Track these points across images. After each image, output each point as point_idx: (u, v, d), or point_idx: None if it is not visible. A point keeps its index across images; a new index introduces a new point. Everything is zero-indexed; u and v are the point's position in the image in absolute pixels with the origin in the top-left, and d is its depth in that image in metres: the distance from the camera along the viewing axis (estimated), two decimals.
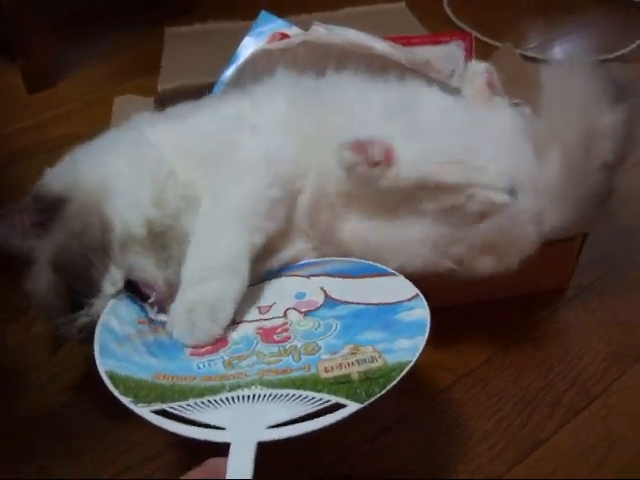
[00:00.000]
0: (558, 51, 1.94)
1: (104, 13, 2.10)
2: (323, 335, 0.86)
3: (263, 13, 1.41)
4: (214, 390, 0.76)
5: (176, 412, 0.72)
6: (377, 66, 1.22)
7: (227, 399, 0.75)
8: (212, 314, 0.87)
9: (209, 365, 0.83)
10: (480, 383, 1.04)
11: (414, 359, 0.75)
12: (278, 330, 0.89)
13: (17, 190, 0.96)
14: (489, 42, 1.86)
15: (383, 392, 0.71)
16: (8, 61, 1.85)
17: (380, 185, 0.93)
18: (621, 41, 1.85)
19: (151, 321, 0.91)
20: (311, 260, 1.03)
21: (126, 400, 0.74)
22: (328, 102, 1.06)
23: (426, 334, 0.80)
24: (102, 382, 1.02)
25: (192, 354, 0.86)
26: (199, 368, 0.83)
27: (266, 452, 0.66)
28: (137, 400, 0.74)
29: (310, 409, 0.71)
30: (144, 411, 0.72)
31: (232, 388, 0.76)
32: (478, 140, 0.98)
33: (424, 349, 0.77)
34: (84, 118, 1.63)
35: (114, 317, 0.88)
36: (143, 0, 2.16)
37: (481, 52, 1.47)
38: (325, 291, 0.95)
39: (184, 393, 0.76)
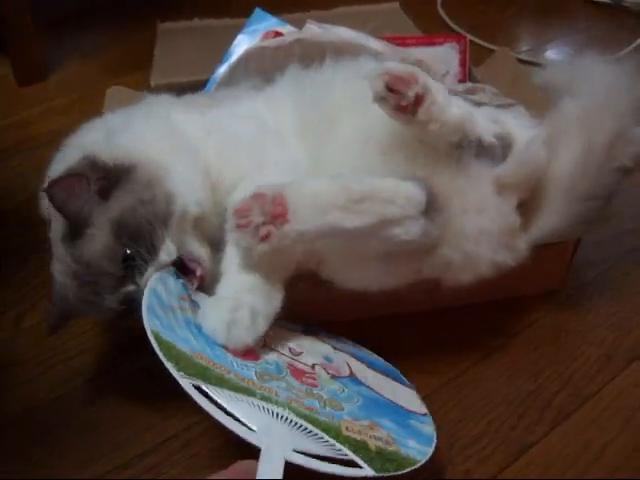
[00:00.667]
0: (551, 55, 1.93)
1: (96, 7, 2.09)
2: (347, 401, 0.87)
3: (257, 11, 1.42)
4: (248, 392, 0.78)
5: (212, 395, 0.73)
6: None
7: (259, 406, 0.76)
8: (252, 320, 0.86)
9: (242, 368, 0.83)
10: (470, 385, 1.03)
11: (423, 460, 0.81)
12: (307, 375, 0.90)
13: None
14: (482, 44, 1.86)
15: (395, 474, 0.75)
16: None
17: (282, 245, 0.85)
18: (614, 45, 1.85)
19: (191, 299, 0.92)
20: (338, 337, 1.05)
21: (170, 366, 0.75)
22: (334, 103, 1.06)
23: (433, 447, 0.85)
24: (95, 376, 1.05)
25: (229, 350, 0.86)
26: (233, 365, 0.82)
27: None
28: (178, 369, 0.75)
29: (331, 454, 0.73)
30: (186, 382, 0.73)
31: (264, 398, 0.78)
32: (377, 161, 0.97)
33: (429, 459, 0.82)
34: (75, 112, 1.61)
35: (161, 285, 0.89)
36: None
37: (474, 54, 1.47)
38: (350, 367, 0.97)
39: (220, 381, 0.76)
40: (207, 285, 0.95)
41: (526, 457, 0.95)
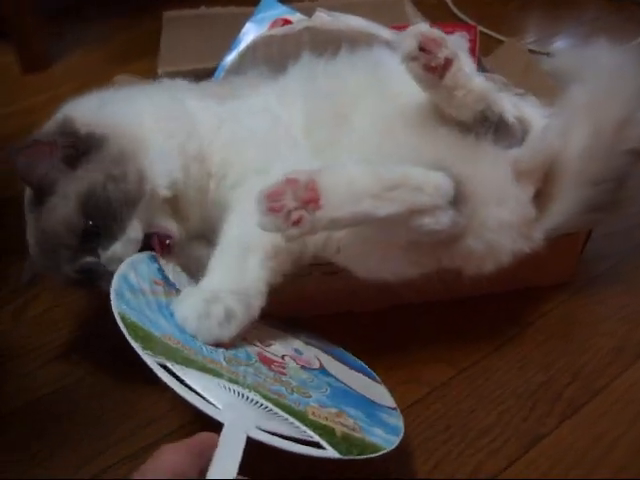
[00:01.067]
0: (558, 46, 1.93)
1: None
2: (315, 389, 0.87)
3: None
4: (214, 372, 0.78)
5: (177, 373, 0.73)
6: None
7: (226, 386, 0.76)
8: (226, 319, 0.86)
9: (211, 352, 0.83)
10: (483, 375, 1.03)
11: (389, 448, 0.80)
12: (276, 363, 0.90)
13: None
14: (490, 34, 1.85)
15: (359, 457, 0.74)
16: (3, 41, 1.82)
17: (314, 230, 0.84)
18: (621, 38, 1.84)
19: (167, 283, 0.93)
20: (310, 333, 1.06)
21: (135, 344, 0.75)
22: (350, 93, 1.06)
23: (400, 438, 0.84)
24: (96, 369, 1.04)
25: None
26: (202, 349, 0.83)
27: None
28: (144, 348, 0.75)
29: (296, 434, 0.73)
30: (150, 359, 0.73)
31: (231, 380, 0.77)
32: (413, 148, 0.96)
33: (394, 449, 0.81)
34: None
35: (132, 271, 0.89)
36: None
37: (482, 45, 1.46)
38: (320, 361, 0.97)
39: (187, 361, 0.77)
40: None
41: (537, 449, 0.94)
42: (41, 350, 1.08)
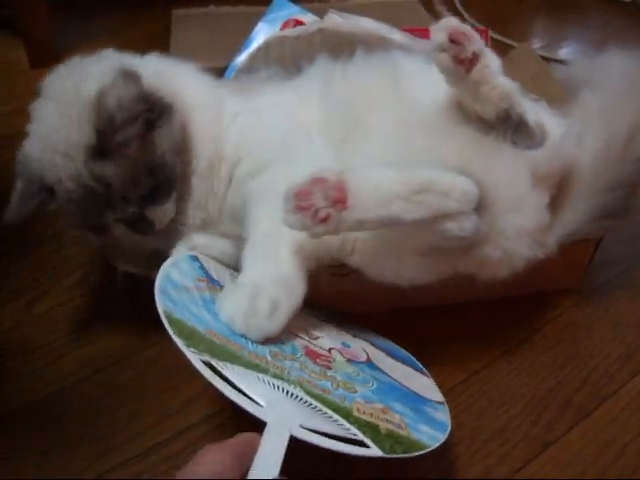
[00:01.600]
0: (566, 51, 1.93)
1: None
2: (361, 384, 0.86)
3: None
4: (259, 368, 0.78)
5: (222, 370, 0.73)
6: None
7: (270, 382, 0.76)
8: (272, 311, 0.85)
9: (257, 346, 0.83)
10: (493, 380, 1.03)
11: (434, 446, 0.79)
12: (322, 357, 0.90)
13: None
14: (499, 39, 1.85)
15: (403, 456, 0.74)
16: (11, 35, 1.82)
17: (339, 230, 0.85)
18: (630, 43, 1.84)
19: (210, 280, 0.93)
20: (359, 326, 1.06)
21: (179, 341, 0.75)
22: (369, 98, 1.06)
23: (446, 435, 0.83)
24: (105, 366, 1.04)
25: None
26: (247, 344, 0.83)
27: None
28: (188, 345, 0.75)
29: (340, 432, 0.72)
30: (194, 357, 0.73)
31: (275, 376, 0.78)
32: (439, 150, 0.96)
33: (441, 445, 0.80)
34: None
35: (175, 269, 0.91)
36: None
37: (493, 49, 1.46)
38: (368, 354, 0.97)
39: (232, 357, 0.77)
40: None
41: (546, 454, 0.94)
42: (45, 349, 1.08)
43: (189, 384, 1.01)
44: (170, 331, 0.76)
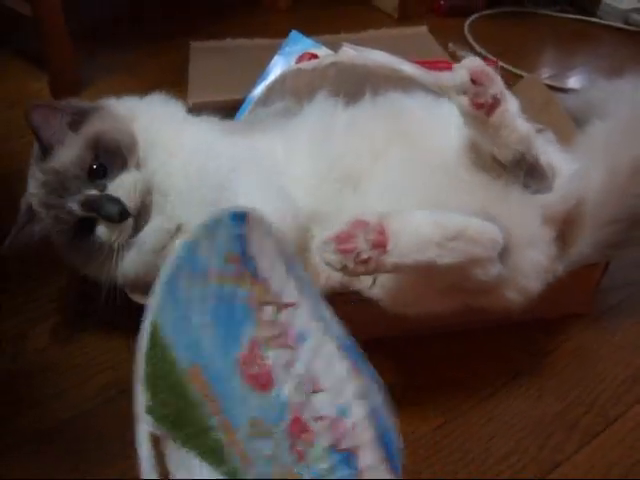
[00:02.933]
0: (574, 80, 1.96)
1: (130, 25, 2.15)
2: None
3: (293, 33, 1.45)
4: (215, 461, 0.72)
5: (167, 453, 0.69)
6: (403, 87, 1.24)
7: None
8: None
9: (240, 404, 0.74)
10: (502, 403, 1.06)
11: None
12: (303, 435, 0.76)
13: None
14: (508, 69, 1.89)
15: None
16: (35, 67, 1.88)
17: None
18: (636, 72, 1.87)
19: (243, 259, 0.78)
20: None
21: (142, 394, 0.71)
22: (352, 149, 1.08)
23: None
24: (129, 389, 1.06)
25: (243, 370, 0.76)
26: (231, 397, 0.74)
27: None
28: (151, 401, 0.70)
29: None
30: (143, 427, 0.70)
31: (228, 473, 0.72)
32: (465, 197, 0.98)
33: None
34: None
35: (208, 239, 0.77)
36: (164, 12, 2.22)
37: (502, 79, 1.50)
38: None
39: (191, 436, 0.71)
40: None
41: (554, 476, 0.96)
42: (71, 371, 1.11)
43: None
44: (139, 372, 0.71)
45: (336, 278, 1.00)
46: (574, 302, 1.18)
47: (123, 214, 1.00)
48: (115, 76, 1.89)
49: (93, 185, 1.01)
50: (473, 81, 0.90)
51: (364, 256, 0.81)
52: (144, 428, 0.69)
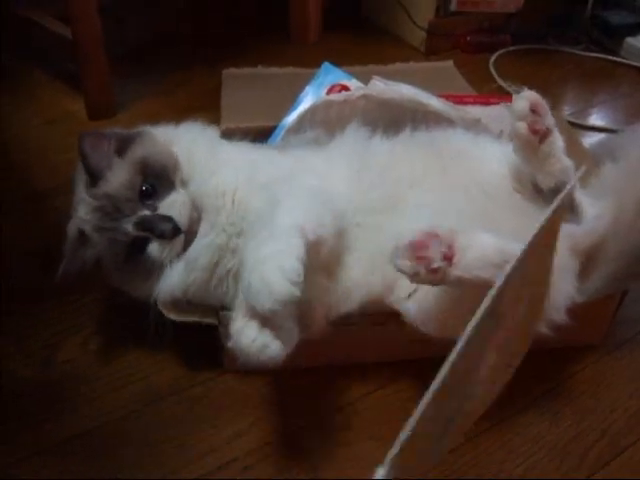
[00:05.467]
0: (595, 118, 2.00)
1: (161, 49, 2.21)
2: None
3: (326, 64, 1.49)
4: None
5: None
6: (431, 121, 1.29)
7: None
8: (281, 268, 0.87)
9: None
10: (515, 429, 1.09)
11: None
12: None
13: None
14: None
15: None
16: (73, 88, 1.94)
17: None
18: None
19: None
20: None
21: None
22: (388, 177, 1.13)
23: None
24: (155, 400, 1.12)
25: None
26: None
27: None
28: None
29: None
30: None
31: None
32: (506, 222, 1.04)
33: None
34: None
35: None
36: (198, 39, 2.29)
37: None
38: None
39: None
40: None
41: None
42: (99, 382, 1.15)
43: (233, 420, 1.09)
44: None
45: (374, 294, 1.05)
46: (591, 333, 1.22)
47: (176, 231, 1.05)
48: (149, 100, 1.95)
49: (145, 206, 1.06)
50: (532, 110, 1.01)
51: (435, 265, 0.87)
52: None
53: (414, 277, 0.88)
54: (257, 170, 1.09)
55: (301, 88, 1.50)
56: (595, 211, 1.08)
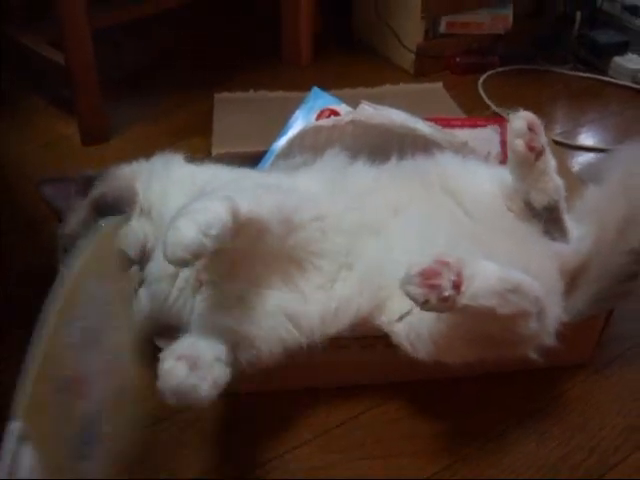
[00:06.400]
0: (584, 137, 2.02)
1: (154, 74, 2.25)
2: None
3: (315, 89, 1.52)
4: None
5: None
6: (419, 145, 1.31)
7: None
8: (196, 221, 0.88)
9: None
10: (505, 448, 1.10)
11: None
12: None
13: None
14: None
15: None
16: (67, 113, 1.97)
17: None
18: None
19: None
20: None
21: None
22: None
23: None
24: (149, 425, 1.12)
25: None
26: None
27: None
28: None
29: None
30: None
31: None
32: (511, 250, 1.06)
33: None
34: None
35: None
36: (191, 63, 2.32)
37: None
38: None
39: None
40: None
41: None
42: None
43: (224, 444, 1.11)
44: None
45: (362, 314, 1.07)
46: (577, 352, 1.23)
47: (125, 264, 1.07)
48: (142, 124, 1.98)
49: None
50: (529, 129, 1.05)
51: (445, 294, 0.87)
52: None
53: (424, 304, 0.89)
54: (210, 185, 1.09)
55: (291, 112, 1.52)
56: (578, 233, 1.12)
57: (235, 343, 1.00)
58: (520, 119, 1.07)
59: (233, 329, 1.01)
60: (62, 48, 1.81)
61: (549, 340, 1.02)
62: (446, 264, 0.89)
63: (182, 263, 0.89)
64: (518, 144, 1.07)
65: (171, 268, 1.06)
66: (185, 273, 1.07)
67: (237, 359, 1.00)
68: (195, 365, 0.92)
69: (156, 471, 1.06)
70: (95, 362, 0.86)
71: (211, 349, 0.96)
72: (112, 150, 1.87)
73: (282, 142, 1.41)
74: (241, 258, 1.05)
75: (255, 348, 1.01)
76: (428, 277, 0.88)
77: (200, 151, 1.65)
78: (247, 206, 0.94)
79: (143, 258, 1.09)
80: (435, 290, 0.87)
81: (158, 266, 1.07)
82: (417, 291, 0.88)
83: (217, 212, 0.89)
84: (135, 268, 1.09)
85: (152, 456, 1.08)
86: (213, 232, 0.87)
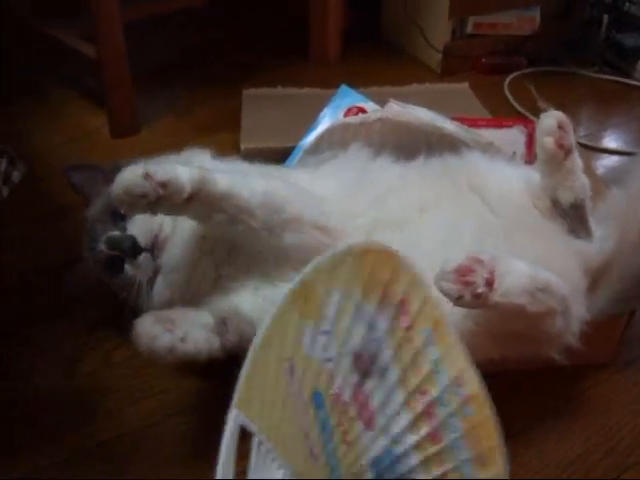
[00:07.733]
0: (609, 141, 2.02)
1: (184, 69, 2.29)
2: None
3: (343, 87, 1.53)
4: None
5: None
6: (446, 144, 1.32)
7: None
8: (142, 166, 0.93)
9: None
10: (523, 445, 1.11)
11: None
12: None
13: None
14: None
15: None
16: (96, 105, 2.01)
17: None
18: None
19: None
20: None
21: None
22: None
23: None
24: (173, 415, 1.15)
25: None
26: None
27: None
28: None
29: None
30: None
31: None
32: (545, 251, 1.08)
33: None
34: None
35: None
36: (220, 59, 2.35)
37: None
38: None
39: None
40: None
41: None
42: (119, 394, 1.19)
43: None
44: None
45: None
46: (599, 352, 1.23)
47: (135, 247, 1.12)
48: (171, 118, 2.00)
49: (116, 227, 1.14)
50: (559, 127, 1.09)
51: (479, 290, 0.89)
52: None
53: (458, 300, 0.89)
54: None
55: (320, 109, 1.54)
56: (601, 233, 1.13)
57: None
58: (551, 117, 1.12)
59: (238, 308, 1.07)
60: (94, 41, 1.83)
61: (573, 339, 1.03)
62: (480, 261, 0.90)
63: (120, 202, 0.93)
64: (548, 141, 1.10)
65: (189, 259, 1.11)
66: (202, 265, 1.12)
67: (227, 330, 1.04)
68: (173, 323, 0.98)
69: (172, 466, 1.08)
70: None
71: (198, 316, 1.03)
72: (141, 143, 1.89)
73: (310, 138, 1.43)
74: (256, 253, 1.09)
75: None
76: (462, 274, 0.89)
77: (227, 146, 1.67)
78: (226, 183, 0.99)
79: (155, 247, 1.13)
80: (469, 287, 0.88)
81: (176, 256, 1.12)
82: (451, 287, 0.89)
83: (174, 169, 0.94)
84: (146, 256, 1.13)
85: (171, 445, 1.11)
86: (158, 178, 0.92)
